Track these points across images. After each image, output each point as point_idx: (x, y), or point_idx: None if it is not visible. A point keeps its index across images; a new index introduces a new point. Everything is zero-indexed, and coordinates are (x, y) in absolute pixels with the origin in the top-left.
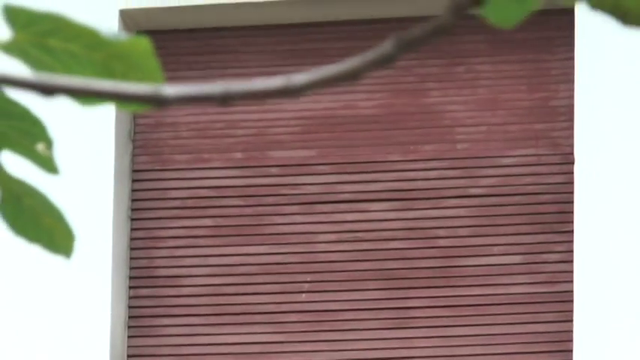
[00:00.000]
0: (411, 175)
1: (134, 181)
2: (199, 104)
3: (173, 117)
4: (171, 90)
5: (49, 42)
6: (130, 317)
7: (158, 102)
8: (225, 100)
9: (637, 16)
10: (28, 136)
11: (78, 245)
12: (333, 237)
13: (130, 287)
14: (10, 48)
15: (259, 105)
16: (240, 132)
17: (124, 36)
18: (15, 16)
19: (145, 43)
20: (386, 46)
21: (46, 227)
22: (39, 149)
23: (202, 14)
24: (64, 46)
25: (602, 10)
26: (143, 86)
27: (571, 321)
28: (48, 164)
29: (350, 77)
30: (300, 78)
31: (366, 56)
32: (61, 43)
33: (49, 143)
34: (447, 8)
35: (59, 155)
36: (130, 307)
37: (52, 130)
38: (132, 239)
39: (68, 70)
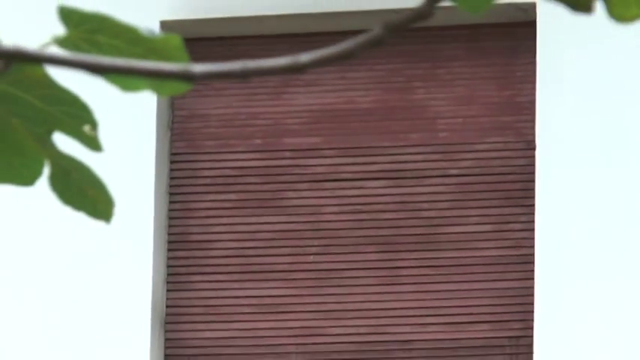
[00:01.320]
0: (401, 158)
1: (172, 162)
2: (222, 79)
3: (204, 110)
4: (198, 67)
5: (97, 38)
6: (168, 275)
7: (188, 78)
8: (243, 75)
9: (584, 5)
10: (77, 119)
11: (126, 216)
12: (336, 209)
13: (169, 250)
14: (65, 43)
15: (274, 97)
16: (259, 122)
17: (159, 34)
18: (68, 16)
19: (176, 40)
20: (376, 30)
21: (90, 197)
22: (86, 130)
23: (229, 25)
24: (110, 41)
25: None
26: (175, 65)
27: (532, 279)
28: (93, 143)
29: (346, 56)
30: (305, 57)
31: (360, 38)
32: (107, 39)
33: (94, 125)
34: None
35: (111, 143)
36: (168, 266)
37: (104, 123)
38: (170, 210)
39: None
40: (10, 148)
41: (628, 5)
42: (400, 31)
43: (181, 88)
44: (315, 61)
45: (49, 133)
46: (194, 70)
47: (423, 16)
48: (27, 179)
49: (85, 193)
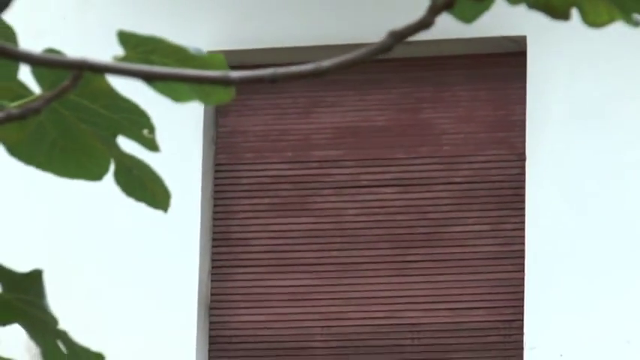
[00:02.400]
0: (411, 168)
1: (216, 172)
2: (255, 83)
3: (244, 127)
4: (235, 74)
5: (151, 58)
6: (212, 267)
7: (226, 82)
8: (273, 79)
9: (562, 12)
10: (137, 125)
11: (177, 217)
12: (355, 212)
13: (213, 246)
14: (123, 61)
15: (303, 115)
16: (290, 137)
17: (205, 52)
18: (126, 39)
19: (219, 57)
20: (385, 39)
21: (149, 190)
22: (145, 134)
23: (266, 55)
24: (162, 60)
25: (536, 8)
26: (216, 72)
27: (523, 271)
28: (151, 145)
29: (361, 61)
30: (326, 63)
31: (372, 46)
32: (160, 58)
33: (151, 129)
34: (427, 10)
35: (164, 155)
36: (212, 260)
37: (158, 139)
38: (214, 212)
39: None
40: (81, 149)
41: (599, 13)
42: (405, 39)
43: (225, 97)
44: (335, 66)
45: (113, 136)
46: (231, 75)
47: (425, 25)
48: (95, 175)
49: (145, 187)
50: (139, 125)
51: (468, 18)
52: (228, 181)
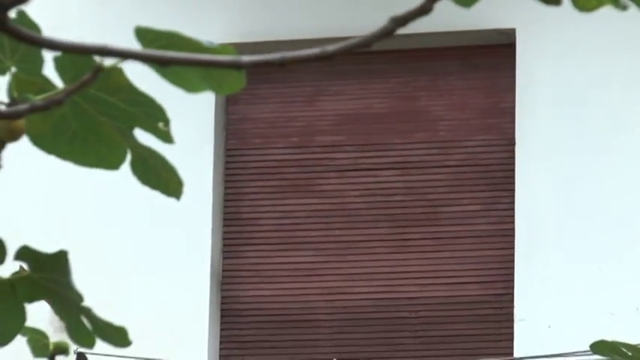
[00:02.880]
0: (408, 152)
1: (227, 156)
2: (265, 67)
3: (252, 114)
4: (246, 58)
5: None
6: (224, 245)
7: (237, 66)
8: (282, 63)
9: None
10: (152, 118)
11: (191, 199)
12: (356, 193)
13: (224, 225)
14: None
15: (308, 104)
16: (296, 124)
17: (217, 44)
18: (144, 34)
19: (230, 48)
20: (387, 24)
21: (163, 179)
22: (160, 126)
23: (274, 47)
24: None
25: None
26: (228, 56)
27: (513, 248)
28: (166, 137)
29: (365, 45)
30: (331, 47)
31: (375, 32)
32: (175, 52)
33: (166, 123)
34: None
35: (178, 142)
36: (224, 238)
37: (173, 126)
38: (225, 194)
39: (180, 68)
40: (100, 140)
41: None
42: (406, 23)
43: (235, 87)
44: (340, 50)
45: (131, 128)
46: (242, 59)
47: (425, 11)
48: (113, 164)
49: (160, 176)
50: (155, 118)
51: (467, 3)
52: (238, 164)
